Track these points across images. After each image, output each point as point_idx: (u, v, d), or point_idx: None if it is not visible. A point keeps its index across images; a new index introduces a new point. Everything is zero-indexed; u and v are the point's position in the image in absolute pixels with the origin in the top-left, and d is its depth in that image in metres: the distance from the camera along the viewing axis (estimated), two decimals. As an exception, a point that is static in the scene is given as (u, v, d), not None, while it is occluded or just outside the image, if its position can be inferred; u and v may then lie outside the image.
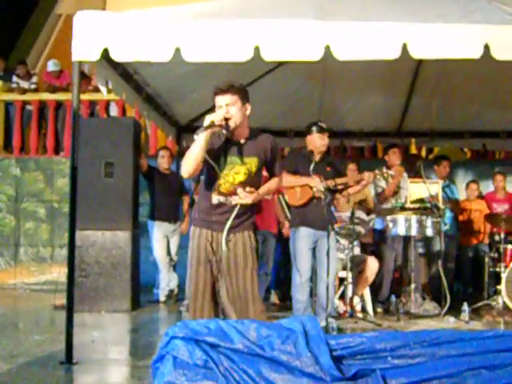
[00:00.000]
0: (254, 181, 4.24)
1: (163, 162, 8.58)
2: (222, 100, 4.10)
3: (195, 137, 4.01)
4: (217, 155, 4.15)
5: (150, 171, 8.45)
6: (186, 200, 8.70)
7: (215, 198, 4.19)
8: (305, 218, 6.21)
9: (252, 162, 4.19)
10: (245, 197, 4.17)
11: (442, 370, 3.02)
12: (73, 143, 5.10)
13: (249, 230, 4.29)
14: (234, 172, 4.17)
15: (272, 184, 4.45)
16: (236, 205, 4.19)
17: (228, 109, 4.07)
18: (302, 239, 6.21)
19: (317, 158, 6.31)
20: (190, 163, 4.07)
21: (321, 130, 6.27)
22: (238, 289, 4.16)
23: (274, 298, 8.33)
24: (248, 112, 4.20)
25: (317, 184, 6.15)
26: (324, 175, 6.23)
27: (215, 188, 4.18)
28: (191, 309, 4.19)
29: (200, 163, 4.09)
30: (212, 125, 3.98)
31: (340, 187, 6.44)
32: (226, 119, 4.04)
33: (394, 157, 7.82)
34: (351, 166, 7.97)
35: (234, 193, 4.18)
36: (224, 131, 4.07)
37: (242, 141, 4.18)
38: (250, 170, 4.19)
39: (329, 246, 6.00)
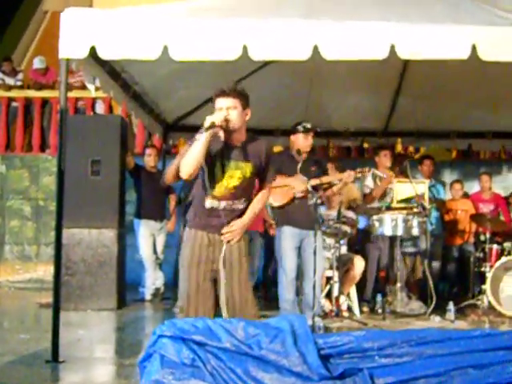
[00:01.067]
0: (247, 186, 4.22)
1: (150, 160, 8.56)
2: (223, 102, 4.06)
3: (197, 137, 3.99)
4: (213, 158, 4.12)
5: (136, 169, 8.43)
6: (172, 198, 8.69)
7: (208, 202, 4.16)
8: (289, 217, 6.23)
9: (247, 167, 4.16)
10: (232, 236, 4.16)
11: (430, 369, 3.03)
12: (60, 141, 5.08)
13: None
14: (229, 176, 4.13)
15: (260, 202, 4.36)
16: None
17: (229, 112, 4.04)
18: (287, 238, 6.23)
19: (301, 157, 6.33)
20: (190, 164, 4.02)
21: (305, 130, 6.29)
22: (233, 292, 4.14)
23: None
24: (248, 117, 4.18)
25: (298, 184, 6.16)
26: (309, 174, 6.25)
27: (209, 192, 4.15)
28: (185, 309, 4.16)
29: (200, 164, 4.05)
30: (212, 126, 3.95)
31: (325, 186, 6.46)
32: (227, 121, 4.01)
33: (385, 159, 7.83)
34: (329, 165, 7.94)
35: (227, 197, 4.15)
36: (222, 134, 4.06)
37: (238, 145, 4.15)
38: (244, 175, 4.16)
39: (316, 245, 6.02)
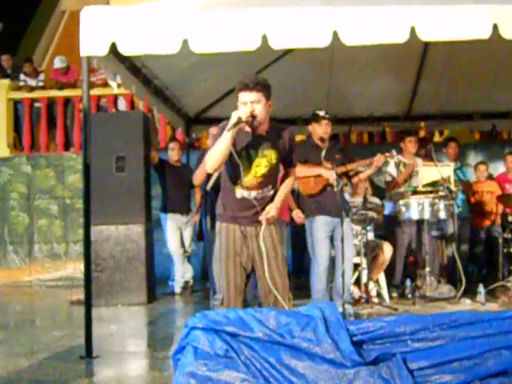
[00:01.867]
0: (273, 172, 4.26)
1: (173, 155, 8.57)
2: (247, 97, 4.06)
3: (225, 132, 3.99)
4: (239, 149, 4.15)
5: (160, 164, 8.46)
6: (197, 191, 8.70)
7: (239, 193, 4.20)
8: (321, 206, 6.24)
9: (272, 154, 4.19)
10: (268, 220, 4.20)
11: (463, 352, 3.02)
12: (84, 139, 5.11)
13: (273, 222, 4.30)
14: (256, 165, 4.18)
15: (288, 187, 4.44)
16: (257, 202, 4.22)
17: (254, 106, 4.05)
18: (320, 228, 6.24)
19: (324, 145, 6.34)
20: (216, 159, 4.06)
21: (319, 119, 6.30)
22: (276, 279, 4.20)
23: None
24: (270, 108, 4.19)
25: (328, 173, 6.18)
26: (334, 162, 6.25)
27: (238, 182, 4.19)
28: (226, 301, 4.21)
29: (226, 159, 4.09)
30: (239, 122, 3.97)
31: (351, 173, 6.46)
32: (253, 116, 4.04)
33: (410, 145, 7.79)
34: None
35: (257, 186, 4.19)
36: (248, 128, 4.08)
37: (263, 134, 4.17)
38: (270, 162, 4.19)
39: (343, 233, 6.03)
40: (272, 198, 4.28)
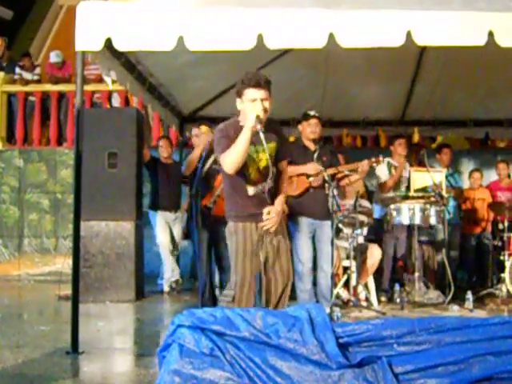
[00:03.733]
0: (272, 164, 4.30)
1: (163, 152, 8.59)
2: (257, 94, 4.12)
3: (245, 132, 4.04)
4: None
5: (152, 161, 8.46)
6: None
7: (251, 190, 4.27)
8: (302, 207, 6.22)
9: (271, 148, 4.28)
10: (272, 223, 4.27)
11: (448, 357, 3.02)
12: (77, 134, 5.09)
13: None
14: (259, 159, 4.27)
15: (284, 182, 4.54)
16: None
17: (264, 104, 4.13)
18: (301, 229, 6.23)
19: (313, 147, 6.33)
20: (238, 160, 4.09)
21: (308, 117, 6.31)
22: (283, 272, 4.36)
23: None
24: (272, 105, 4.27)
25: (314, 171, 6.15)
26: (321, 164, 6.23)
27: (247, 179, 4.26)
28: (237, 300, 4.23)
29: (245, 159, 4.15)
30: (259, 120, 4.04)
31: (339, 176, 6.46)
32: (265, 113, 4.14)
33: (400, 148, 7.90)
34: (340, 156, 7.91)
35: (261, 179, 4.29)
36: (260, 126, 4.09)
37: (262, 129, 4.16)
38: (271, 155, 4.27)
39: (331, 235, 6.04)
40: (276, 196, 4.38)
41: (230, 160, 4.11)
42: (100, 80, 10.66)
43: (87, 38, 4.94)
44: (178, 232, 8.57)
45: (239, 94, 4.20)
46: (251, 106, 4.12)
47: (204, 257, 6.71)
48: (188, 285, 9.04)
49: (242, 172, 4.23)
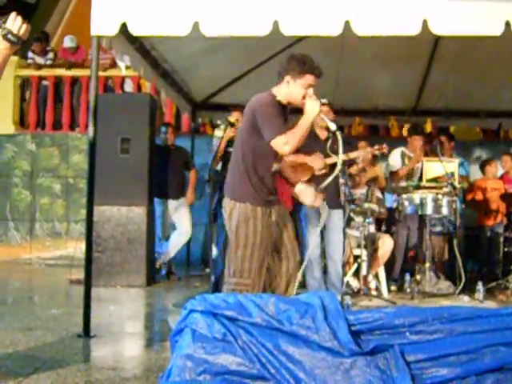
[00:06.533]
0: None
1: (167, 138, 8.55)
2: (313, 81, 4.20)
3: (309, 117, 4.14)
4: None
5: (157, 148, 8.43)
6: (193, 172, 8.67)
7: (274, 167, 4.32)
8: None
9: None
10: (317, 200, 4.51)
11: (460, 347, 3.02)
12: (93, 118, 5.09)
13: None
14: None
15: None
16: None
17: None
18: (309, 218, 6.23)
19: (322, 135, 6.30)
20: (300, 141, 4.14)
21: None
22: (295, 258, 4.39)
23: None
24: None
25: (316, 162, 6.11)
26: (332, 151, 6.17)
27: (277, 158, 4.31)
28: (252, 286, 4.19)
29: None
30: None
31: (348, 163, 6.43)
32: None
33: (416, 143, 7.91)
34: (362, 144, 7.92)
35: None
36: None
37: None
38: None
39: (342, 224, 6.02)
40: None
41: (294, 143, 4.10)
42: (113, 65, 10.66)
43: (103, 23, 4.95)
44: (185, 216, 8.53)
45: (296, 74, 4.16)
46: (301, 90, 4.16)
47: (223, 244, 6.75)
48: (198, 271, 9.07)
49: (273, 155, 4.24)
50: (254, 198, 4.24)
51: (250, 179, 4.25)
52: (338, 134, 4.30)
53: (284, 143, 4.07)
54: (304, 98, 4.15)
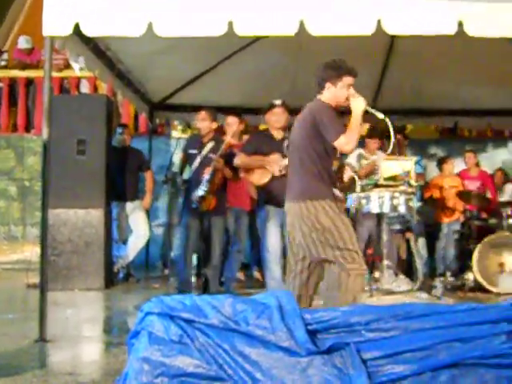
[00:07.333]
0: None
1: (123, 139, 8.47)
2: (352, 81, 4.56)
3: (359, 116, 4.50)
4: None
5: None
6: (149, 175, 8.60)
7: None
8: (270, 196, 6.19)
9: None
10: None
11: (416, 343, 3.04)
12: (47, 120, 5.01)
13: None
14: None
15: None
16: None
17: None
18: (268, 218, 6.21)
19: (278, 135, 6.29)
20: (357, 138, 4.44)
21: (272, 107, 6.29)
22: None
23: (257, 275, 8.37)
24: None
25: (273, 163, 6.10)
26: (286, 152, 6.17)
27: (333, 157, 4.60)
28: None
29: None
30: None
31: None
32: None
33: (374, 145, 8.17)
34: None
35: None
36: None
37: None
38: None
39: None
40: None
41: (354, 140, 4.41)
42: (68, 66, 10.56)
43: (55, 23, 4.86)
44: (141, 218, 8.48)
45: (335, 79, 4.52)
46: (344, 92, 4.52)
47: (190, 243, 6.75)
48: (158, 272, 9.02)
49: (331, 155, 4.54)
50: (331, 194, 4.51)
51: (323, 178, 4.49)
52: (388, 121, 4.61)
53: (346, 143, 4.36)
54: (348, 98, 4.52)
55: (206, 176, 6.54)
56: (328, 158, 4.53)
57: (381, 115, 4.62)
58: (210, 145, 6.80)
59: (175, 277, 7.24)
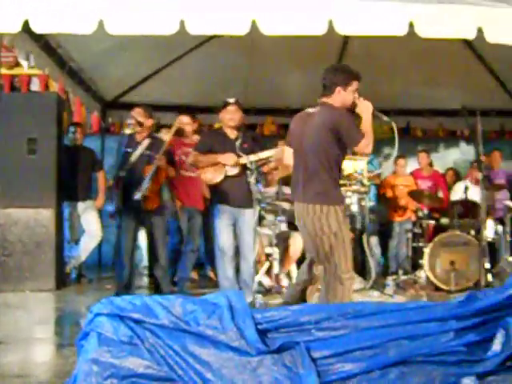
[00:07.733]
0: None
1: (75, 138, 8.37)
2: (358, 86, 4.76)
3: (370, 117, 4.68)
4: None
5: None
6: (101, 175, 8.50)
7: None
8: (222, 195, 6.18)
9: None
10: None
11: (365, 341, 3.07)
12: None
13: None
14: None
15: None
16: None
17: None
18: (221, 217, 6.20)
19: (235, 134, 6.28)
20: (372, 139, 4.61)
21: (226, 105, 6.28)
22: None
23: (211, 275, 8.34)
24: None
25: (226, 161, 6.10)
26: (243, 151, 6.16)
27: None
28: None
29: None
30: None
31: (260, 163, 6.42)
32: None
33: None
34: (281, 143, 7.95)
35: None
36: None
37: None
38: None
39: (254, 223, 6.02)
40: None
41: (371, 141, 4.60)
42: (18, 64, 10.37)
43: (3, 19, 4.78)
44: (92, 219, 8.38)
45: (345, 84, 4.69)
46: (352, 96, 4.71)
47: (129, 244, 6.67)
48: (110, 273, 8.93)
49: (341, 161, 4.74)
50: (343, 200, 4.79)
51: (338, 184, 4.77)
52: (394, 125, 4.87)
53: (366, 145, 4.58)
54: (353, 102, 4.72)
55: (148, 175, 6.43)
56: (340, 163, 4.74)
57: (386, 118, 4.82)
58: (145, 142, 6.68)
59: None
